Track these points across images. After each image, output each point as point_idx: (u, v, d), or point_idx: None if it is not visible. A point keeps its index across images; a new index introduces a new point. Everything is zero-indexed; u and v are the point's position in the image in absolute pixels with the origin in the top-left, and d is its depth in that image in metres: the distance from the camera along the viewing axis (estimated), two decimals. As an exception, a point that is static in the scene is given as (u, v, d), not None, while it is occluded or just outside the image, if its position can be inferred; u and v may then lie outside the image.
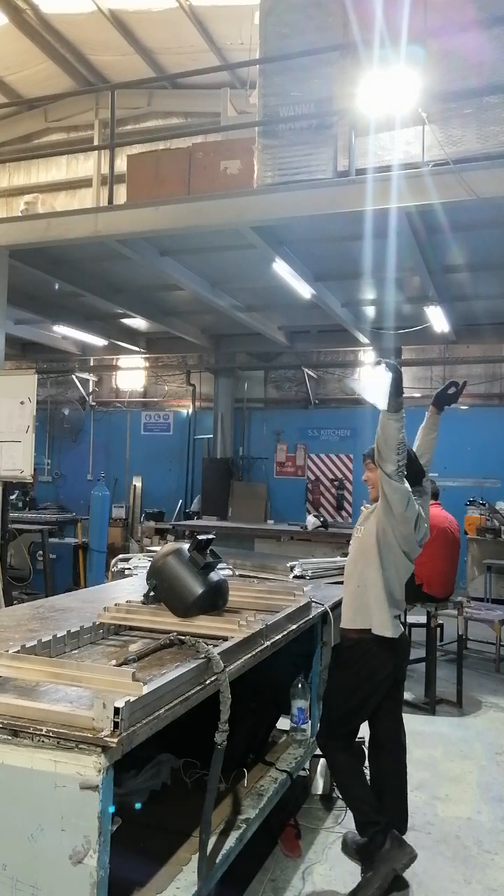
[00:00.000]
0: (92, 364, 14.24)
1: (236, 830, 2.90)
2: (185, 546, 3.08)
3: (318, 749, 3.61)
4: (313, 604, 3.71)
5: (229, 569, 4.49)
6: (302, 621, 3.42)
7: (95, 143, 12.72)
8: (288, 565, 4.94)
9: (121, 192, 7.33)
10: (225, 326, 10.78)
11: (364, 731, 3.50)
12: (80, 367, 14.09)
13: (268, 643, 2.94)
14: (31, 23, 11.56)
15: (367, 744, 3.55)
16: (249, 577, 4.64)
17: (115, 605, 3.04)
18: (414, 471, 3.30)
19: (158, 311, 9.96)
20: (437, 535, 5.62)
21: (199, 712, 2.27)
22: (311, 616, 3.58)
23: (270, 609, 3.30)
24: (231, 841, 2.81)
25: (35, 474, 6.56)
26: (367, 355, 12.05)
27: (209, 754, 2.40)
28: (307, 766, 4.03)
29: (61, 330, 10.64)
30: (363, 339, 10.43)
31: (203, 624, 2.85)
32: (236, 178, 6.15)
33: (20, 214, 7.65)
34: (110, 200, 6.60)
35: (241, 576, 4.59)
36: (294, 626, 3.28)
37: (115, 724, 1.80)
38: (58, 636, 2.57)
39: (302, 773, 3.96)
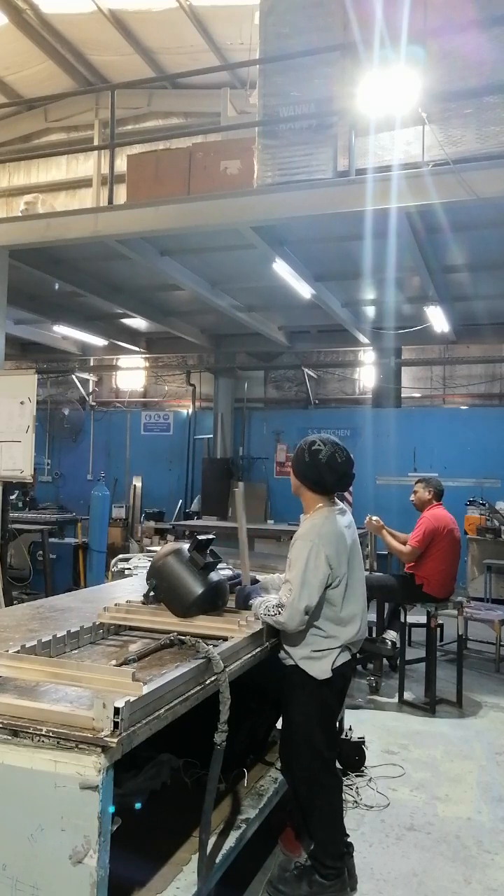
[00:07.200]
0: (92, 364, 14.25)
1: (236, 830, 2.90)
2: (185, 546, 3.07)
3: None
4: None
5: (229, 569, 4.49)
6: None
7: (95, 143, 12.73)
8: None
9: (121, 192, 7.33)
10: (225, 326, 10.77)
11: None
12: (80, 367, 14.10)
13: (268, 643, 2.94)
14: (31, 23, 11.57)
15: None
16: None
17: (115, 605, 3.04)
18: (341, 484, 3.20)
19: (158, 311, 9.95)
20: (440, 536, 5.65)
21: (199, 712, 2.27)
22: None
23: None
24: (231, 841, 2.81)
25: (35, 474, 6.56)
26: (367, 355, 12.07)
27: (209, 754, 2.40)
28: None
29: (61, 330, 10.63)
30: (363, 339, 10.44)
31: (203, 624, 2.85)
32: (236, 178, 6.15)
33: (20, 214, 7.65)
34: (110, 200, 6.60)
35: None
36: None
37: (115, 724, 1.80)
38: (58, 636, 2.57)
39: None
